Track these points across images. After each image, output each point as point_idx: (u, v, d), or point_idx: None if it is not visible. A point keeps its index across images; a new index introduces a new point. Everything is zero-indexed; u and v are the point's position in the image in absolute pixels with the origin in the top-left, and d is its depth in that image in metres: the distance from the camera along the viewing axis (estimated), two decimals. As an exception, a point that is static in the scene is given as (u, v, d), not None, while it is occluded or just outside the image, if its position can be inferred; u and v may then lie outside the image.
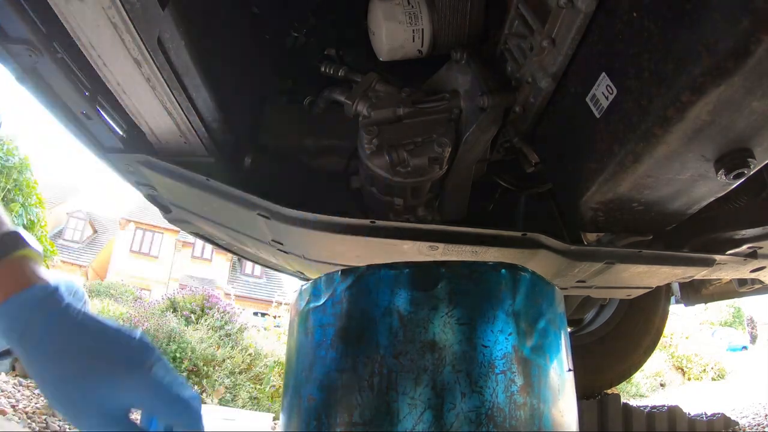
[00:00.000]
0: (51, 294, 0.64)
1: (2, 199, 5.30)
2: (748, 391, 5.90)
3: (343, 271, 0.65)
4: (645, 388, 7.83)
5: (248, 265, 24.43)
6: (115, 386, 0.62)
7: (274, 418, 3.90)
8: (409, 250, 1.28)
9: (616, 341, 2.73)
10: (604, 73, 0.90)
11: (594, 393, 2.69)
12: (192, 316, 5.54)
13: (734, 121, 0.79)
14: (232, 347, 5.21)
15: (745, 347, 14.61)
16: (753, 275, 1.68)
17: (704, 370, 9.59)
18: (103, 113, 1.18)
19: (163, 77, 0.98)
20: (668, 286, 2.70)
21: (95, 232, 24.29)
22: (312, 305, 0.68)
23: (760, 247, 1.48)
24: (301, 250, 1.44)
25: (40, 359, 0.61)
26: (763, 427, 3.46)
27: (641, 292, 1.76)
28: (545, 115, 1.13)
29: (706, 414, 3.04)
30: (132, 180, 1.40)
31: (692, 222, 1.23)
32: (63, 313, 0.63)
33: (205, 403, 4.24)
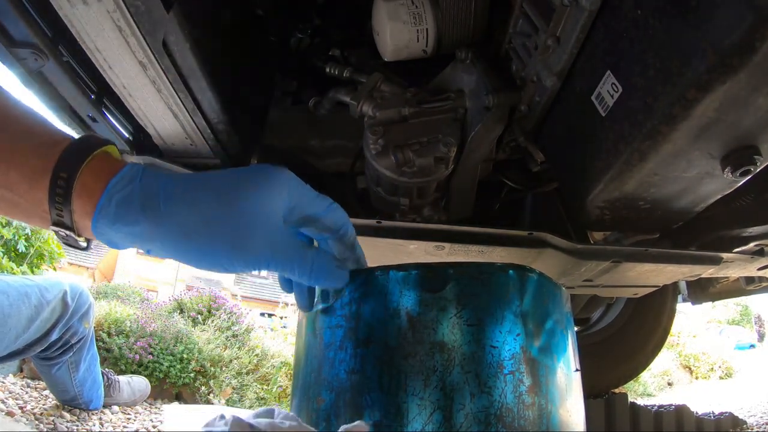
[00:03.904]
0: (148, 165, 0.58)
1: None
2: (756, 390, 5.87)
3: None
4: (652, 387, 7.80)
5: (254, 266, 24.42)
6: (268, 193, 0.58)
7: (281, 419, 3.90)
8: (415, 250, 1.28)
9: (624, 340, 2.72)
10: (609, 71, 0.90)
11: (601, 392, 2.68)
12: (199, 317, 5.55)
13: (740, 118, 0.79)
14: (239, 348, 5.22)
15: (753, 345, 14.52)
16: (760, 273, 1.68)
17: (712, 368, 9.54)
18: (108, 116, 1.18)
19: (168, 80, 0.99)
20: (675, 284, 2.69)
21: (101, 234, 24.34)
22: (320, 307, 0.68)
23: (767, 245, 1.47)
24: (307, 250, 1.44)
25: (175, 209, 0.54)
26: (772, 426, 3.44)
27: (648, 290, 1.76)
28: (551, 113, 1.13)
29: (713, 413, 3.03)
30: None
31: (699, 220, 1.23)
32: (170, 171, 0.58)
33: (212, 403, 4.25)
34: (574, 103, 1.03)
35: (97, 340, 3.12)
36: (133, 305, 5.52)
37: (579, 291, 1.76)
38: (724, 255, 1.43)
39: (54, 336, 2.13)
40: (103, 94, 1.13)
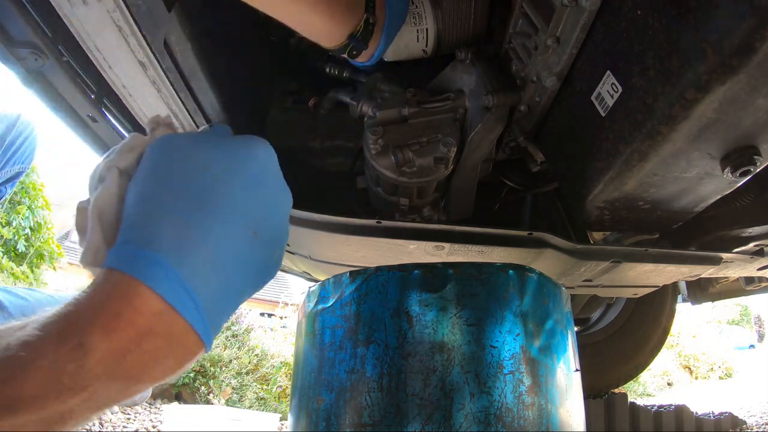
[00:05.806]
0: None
1: (9, 202, 5.32)
2: (756, 390, 5.87)
3: (351, 272, 0.65)
4: (652, 387, 7.81)
5: (254, 266, 24.39)
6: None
7: (281, 419, 3.91)
8: (415, 250, 1.28)
9: (623, 340, 2.72)
10: (609, 72, 0.90)
11: (601, 392, 2.69)
12: (198, 317, 5.55)
13: (740, 119, 0.79)
14: (239, 348, 5.22)
15: (752, 346, 14.55)
16: (760, 273, 1.68)
17: (711, 368, 9.55)
18: (108, 116, 1.18)
19: (169, 80, 0.98)
20: (675, 284, 2.69)
21: (101, 234, 24.26)
22: (320, 307, 0.68)
23: (767, 245, 1.47)
24: (307, 250, 1.44)
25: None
26: (772, 426, 3.44)
27: (648, 290, 1.76)
28: (550, 114, 1.13)
29: (713, 413, 3.03)
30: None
31: (698, 220, 1.23)
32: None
33: (212, 403, 4.26)
34: (574, 104, 1.03)
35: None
36: (133, 305, 5.52)
37: (579, 291, 1.76)
38: (724, 255, 1.43)
39: None
40: (103, 94, 1.13)
